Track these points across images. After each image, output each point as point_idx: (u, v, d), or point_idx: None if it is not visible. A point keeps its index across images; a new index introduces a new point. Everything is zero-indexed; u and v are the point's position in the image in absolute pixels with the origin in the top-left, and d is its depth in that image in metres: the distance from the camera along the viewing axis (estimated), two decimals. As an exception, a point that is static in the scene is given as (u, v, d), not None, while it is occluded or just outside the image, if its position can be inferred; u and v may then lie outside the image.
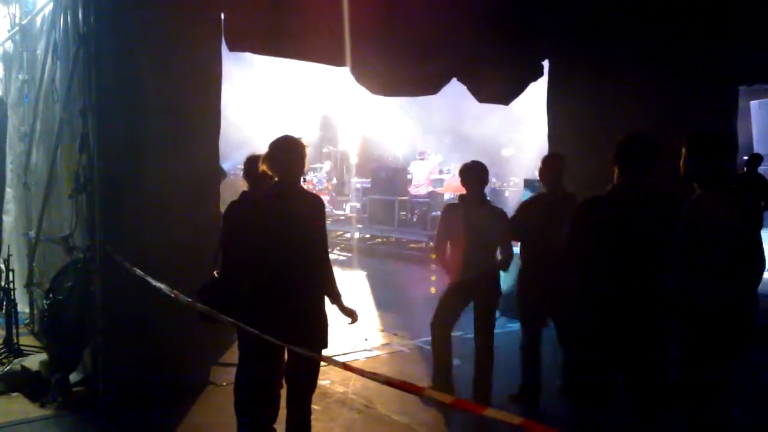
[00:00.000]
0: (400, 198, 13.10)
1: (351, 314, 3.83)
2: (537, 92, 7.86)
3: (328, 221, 14.45)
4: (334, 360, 3.19)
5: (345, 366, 2.89)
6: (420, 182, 13.83)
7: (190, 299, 3.75)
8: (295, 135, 3.69)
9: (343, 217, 14.92)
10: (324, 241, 3.75)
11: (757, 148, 12.07)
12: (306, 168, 3.75)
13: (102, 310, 4.77)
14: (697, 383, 3.46)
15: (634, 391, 3.60)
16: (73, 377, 4.99)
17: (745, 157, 10.27)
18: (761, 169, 10.91)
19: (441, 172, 14.62)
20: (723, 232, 3.37)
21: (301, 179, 3.79)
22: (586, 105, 7.19)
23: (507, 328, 7.18)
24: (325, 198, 14.80)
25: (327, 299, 3.76)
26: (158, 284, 4.04)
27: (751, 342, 3.50)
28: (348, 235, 14.23)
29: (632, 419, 3.60)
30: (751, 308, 3.50)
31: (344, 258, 12.85)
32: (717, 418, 3.45)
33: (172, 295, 3.89)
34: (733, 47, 7.48)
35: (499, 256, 5.03)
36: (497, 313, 5.23)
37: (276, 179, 3.63)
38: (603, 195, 3.63)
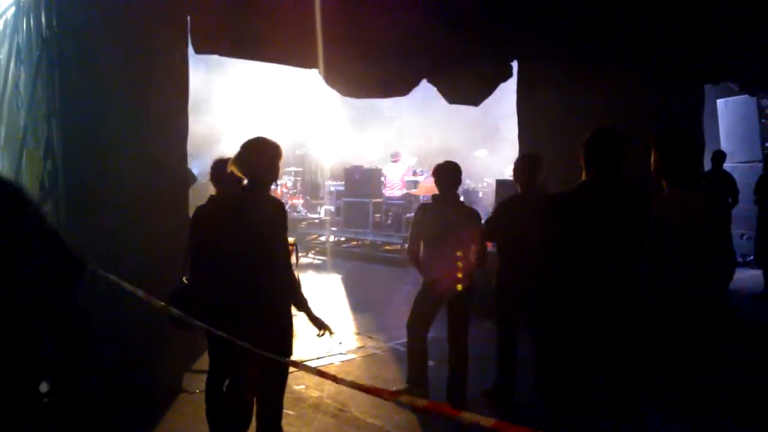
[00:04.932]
0: (374, 200, 13.08)
1: (321, 325, 3.61)
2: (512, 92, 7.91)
3: (303, 224, 14.47)
4: (305, 365, 3.16)
5: (318, 372, 2.86)
6: (394, 184, 13.82)
7: (163, 303, 3.69)
8: (270, 138, 3.63)
9: (317, 221, 14.86)
10: (285, 247, 3.62)
11: (723, 146, 12.26)
12: (280, 172, 3.68)
13: (70, 318, 4.68)
14: (669, 383, 3.49)
15: (613, 391, 3.60)
16: (42, 386, 4.88)
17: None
18: (728, 166, 11.11)
19: (415, 173, 14.63)
20: (691, 229, 3.41)
21: (273, 184, 3.69)
22: (554, 104, 7.25)
23: (481, 326, 7.19)
24: (298, 201, 14.86)
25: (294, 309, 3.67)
26: (133, 288, 3.97)
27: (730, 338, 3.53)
28: (322, 238, 14.18)
29: (607, 421, 3.60)
30: (723, 306, 3.54)
31: (319, 261, 12.80)
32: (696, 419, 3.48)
33: (145, 299, 3.83)
34: (699, 47, 7.60)
35: (473, 257, 5.04)
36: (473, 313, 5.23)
37: (245, 181, 3.58)
38: (570, 190, 3.63)
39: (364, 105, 13.70)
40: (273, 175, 3.59)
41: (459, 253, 4.93)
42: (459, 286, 4.92)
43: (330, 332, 3.65)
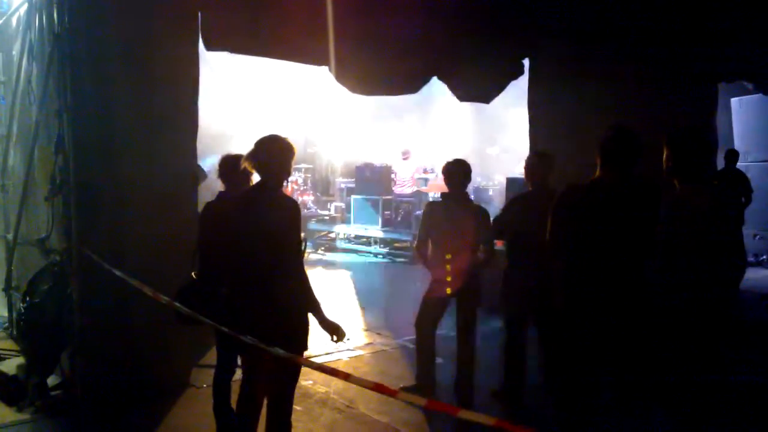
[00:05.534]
0: (384, 198, 13.09)
1: (334, 330, 3.54)
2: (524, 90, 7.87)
3: (313, 221, 14.49)
4: (313, 362, 3.17)
5: (321, 368, 2.87)
6: (404, 181, 13.82)
7: (167, 299, 3.71)
8: (283, 135, 3.61)
9: (327, 217, 14.88)
10: (299, 246, 3.58)
11: (737, 145, 12.16)
12: (292, 169, 3.67)
13: (79, 312, 4.72)
14: (677, 383, 3.46)
15: (621, 388, 3.56)
16: (51, 381, 4.94)
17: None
18: (742, 165, 11.01)
19: (425, 171, 14.62)
20: (700, 229, 3.38)
21: (285, 181, 3.67)
22: (566, 102, 7.20)
23: (492, 324, 7.18)
24: (308, 198, 14.87)
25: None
26: (140, 284, 4.00)
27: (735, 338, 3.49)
28: (332, 235, 14.20)
29: (613, 419, 3.57)
30: (733, 306, 3.51)
31: (329, 258, 12.82)
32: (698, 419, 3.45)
33: (151, 295, 3.86)
34: (712, 45, 7.53)
35: (481, 255, 5.02)
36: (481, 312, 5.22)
37: (259, 178, 3.57)
38: (583, 186, 3.59)
39: (376, 102, 13.72)
40: (286, 172, 3.58)
41: (448, 256, 4.90)
42: (448, 290, 4.90)
43: (342, 336, 3.57)
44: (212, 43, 5.35)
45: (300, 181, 15.00)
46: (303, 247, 4.09)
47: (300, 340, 3.52)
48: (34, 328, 4.88)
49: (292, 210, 3.48)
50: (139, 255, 4.73)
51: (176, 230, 4.80)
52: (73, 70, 4.70)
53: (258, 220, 3.40)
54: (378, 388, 2.41)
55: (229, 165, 4.06)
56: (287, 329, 3.40)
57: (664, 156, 3.56)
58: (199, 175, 5.81)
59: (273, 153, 3.49)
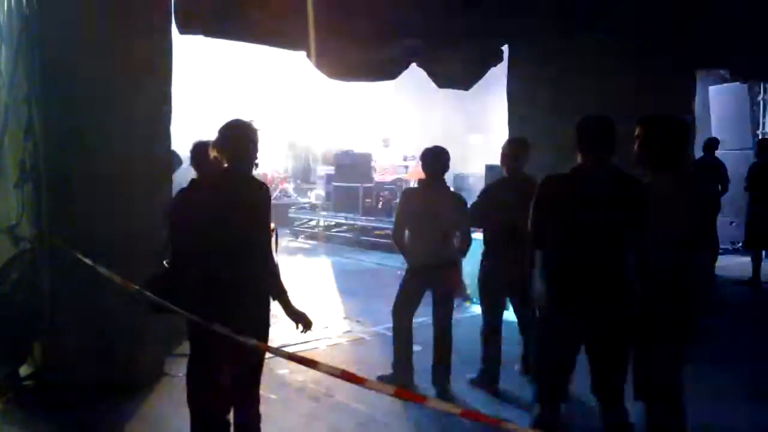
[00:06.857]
0: (364, 185, 13.05)
1: (300, 318, 3.43)
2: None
3: (293, 209, 14.42)
4: (280, 351, 3.14)
5: (290, 356, 2.84)
6: (385, 169, 13.81)
7: (137, 288, 3.65)
8: (247, 119, 3.54)
9: (307, 205, 14.83)
10: (268, 233, 3.53)
11: (715, 134, 12.25)
12: (259, 153, 3.60)
13: (50, 301, 4.64)
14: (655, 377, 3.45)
15: (601, 383, 3.51)
16: (23, 371, 4.87)
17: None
18: (719, 153, 11.08)
19: (405, 158, 14.60)
20: (673, 217, 3.36)
21: (254, 165, 3.61)
22: (544, 89, 7.20)
23: (469, 312, 7.20)
24: (288, 186, 14.81)
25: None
26: (110, 273, 3.93)
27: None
28: (313, 223, 14.16)
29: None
30: (707, 294, 3.50)
31: (308, 246, 12.77)
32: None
33: (121, 284, 3.79)
34: (690, 32, 7.55)
35: (457, 242, 5.01)
36: (459, 299, 5.21)
37: (226, 165, 3.51)
38: (566, 175, 3.51)
39: (356, 89, 13.68)
40: (252, 156, 3.51)
41: (444, 239, 4.88)
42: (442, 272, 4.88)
43: (308, 325, 3.48)
44: (185, 27, 5.26)
45: (280, 168, 14.94)
46: (275, 236, 4.02)
47: (263, 328, 3.46)
48: (4, 318, 4.79)
49: (261, 195, 3.43)
50: (112, 243, 4.62)
51: (151, 218, 4.72)
52: (43, 52, 4.59)
53: (225, 206, 3.34)
54: (346, 376, 2.38)
55: (201, 151, 4.00)
56: (253, 317, 3.36)
57: (636, 143, 3.53)
58: (174, 161, 5.72)
59: (236, 138, 3.43)
